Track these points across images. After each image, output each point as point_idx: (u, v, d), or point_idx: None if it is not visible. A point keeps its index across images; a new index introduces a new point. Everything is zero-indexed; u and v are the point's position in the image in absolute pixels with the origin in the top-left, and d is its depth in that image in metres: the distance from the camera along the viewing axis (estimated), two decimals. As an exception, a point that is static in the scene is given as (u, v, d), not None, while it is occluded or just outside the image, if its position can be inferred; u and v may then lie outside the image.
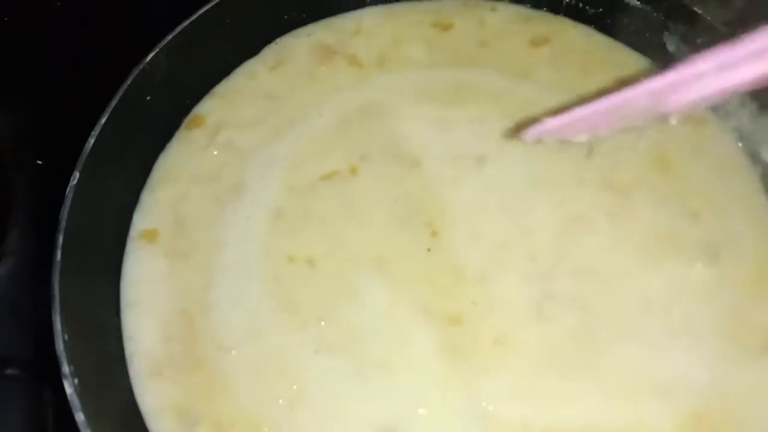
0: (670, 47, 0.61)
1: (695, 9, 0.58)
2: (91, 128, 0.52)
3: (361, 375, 0.50)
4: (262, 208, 0.56)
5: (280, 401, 0.50)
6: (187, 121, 0.60)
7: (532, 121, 0.53)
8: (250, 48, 0.63)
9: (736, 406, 0.50)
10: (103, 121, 0.52)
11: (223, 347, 0.52)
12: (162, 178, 0.58)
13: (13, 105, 0.66)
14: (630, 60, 0.62)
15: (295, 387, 0.50)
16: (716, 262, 0.54)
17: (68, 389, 0.45)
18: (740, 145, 0.58)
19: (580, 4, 0.63)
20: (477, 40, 0.63)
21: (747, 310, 0.52)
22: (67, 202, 0.49)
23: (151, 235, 0.56)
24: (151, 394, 0.51)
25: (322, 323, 0.52)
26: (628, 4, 0.61)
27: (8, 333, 0.59)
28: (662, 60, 0.61)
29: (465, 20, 0.63)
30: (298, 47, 0.63)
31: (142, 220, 0.57)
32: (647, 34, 0.62)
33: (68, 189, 0.50)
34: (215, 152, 0.58)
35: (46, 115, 0.61)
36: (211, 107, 0.61)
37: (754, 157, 0.58)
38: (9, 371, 0.57)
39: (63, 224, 0.49)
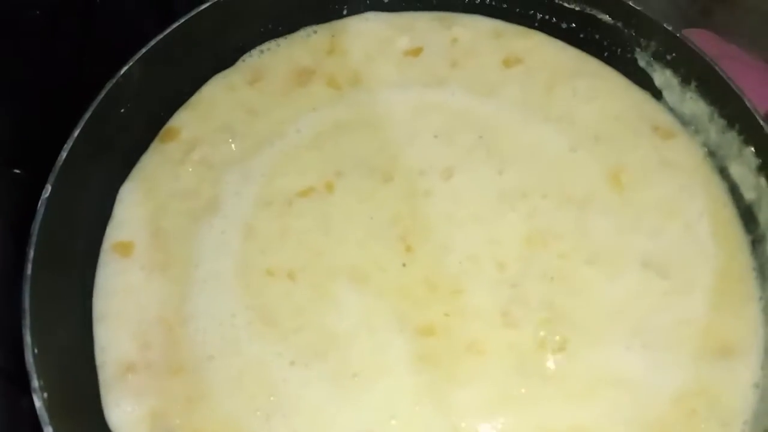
0: (641, 62, 0.61)
1: (665, 26, 0.58)
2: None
3: (336, 386, 0.51)
4: (237, 224, 0.56)
5: (258, 412, 0.50)
6: (161, 133, 0.60)
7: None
8: (225, 62, 0.63)
9: (696, 410, 0.50)
10: (76, 133, 0.52)
11: (200, 358, 0.52)
12: (136, 191, 0.58)
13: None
14: (602, 74, 0.63)
15: (272, 398, 0.50)
16: (679, 272, 0.55)
17: (37, 403, 0.45)
18: (708, 159, 0.59)
19: (553, 19, 0.63)
20: (448, 59, 0.63)
21: (707, 318, 0.53)
22: (39, 216, 0.49)
23: (125, 248, 0.56)
24: (123, 406, 0.51)
25: (299, 335, 0.52)
26: (600, 20, 0.61)
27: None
28: (633, 74, 0.62)
29: (437, 37, 0.64)
30: (275, 65, 0.63)
31: (116, 233, 0.56)
32: (618, 50, 0.62)
33: (40, 202, 0.49)
34: (190, 168, 0.58)
35: (24, 123, 0.61)
36: (186, 120, 0.61)
37: (722, 172, 0.58)
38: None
39: (34, 238, 0.48)
